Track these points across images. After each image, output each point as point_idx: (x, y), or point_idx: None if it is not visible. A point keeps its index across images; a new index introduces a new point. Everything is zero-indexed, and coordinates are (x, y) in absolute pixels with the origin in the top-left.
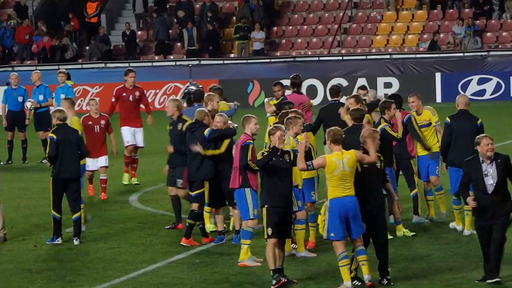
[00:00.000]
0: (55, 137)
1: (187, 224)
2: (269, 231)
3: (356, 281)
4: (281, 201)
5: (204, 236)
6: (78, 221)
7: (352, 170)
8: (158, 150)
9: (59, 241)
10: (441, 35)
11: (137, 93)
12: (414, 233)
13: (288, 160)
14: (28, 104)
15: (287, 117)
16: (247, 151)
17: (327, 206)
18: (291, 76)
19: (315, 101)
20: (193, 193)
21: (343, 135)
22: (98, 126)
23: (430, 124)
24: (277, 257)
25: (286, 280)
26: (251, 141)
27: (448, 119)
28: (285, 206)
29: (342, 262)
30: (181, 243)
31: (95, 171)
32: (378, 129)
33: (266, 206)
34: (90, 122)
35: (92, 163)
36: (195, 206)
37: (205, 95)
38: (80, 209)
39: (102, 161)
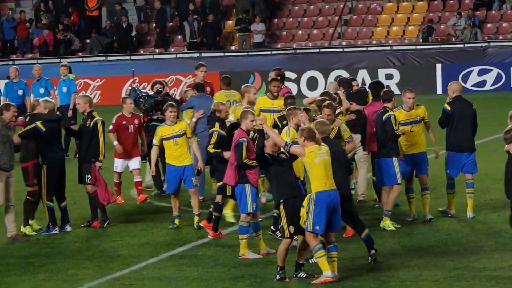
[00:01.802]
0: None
1: (213, 216)
2: (291, 229)
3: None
4: (294, 191)
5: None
6: (66, 209)
7: (330, 160)
8: None
9: (56, 230)
10: (441, 26)
11: (208, 89)
12: (395, 228)
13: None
14: None
15: (287, 108)
16: (242, 150)
17: (312, 199)
18: (279, 69)
19: (315, 93)
20: (217, 185)
21: (315, 133)
22: (132, 126)
23: (421, 121)
24: (302, 253)
25: (306, 275)
26: (245, 139)
27: (447, 106)
28: (299, 196)
29: (318, 253)
30: (209, 236)
31: (121, 173)
32: (384, 117)
33: (281, 200)
34: (124, 122)
35: (121, 165)
36: (218, 198)
37: (242, 86)
38: (65, 197)
39: (136, 163)
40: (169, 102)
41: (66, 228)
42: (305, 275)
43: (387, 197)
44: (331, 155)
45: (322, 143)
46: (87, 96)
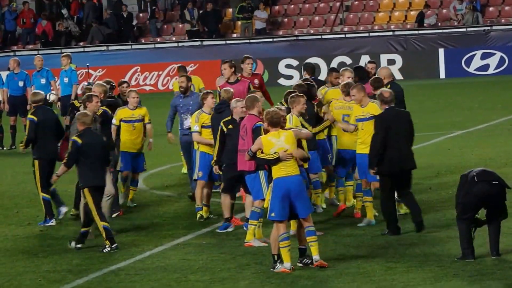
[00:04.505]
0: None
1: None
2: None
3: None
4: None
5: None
6: (55, 192)
7: (292, 147)
8: (160, 132)
9: (53, 222)
10: (444, 11)
11: (256, 81)
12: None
13: None
14: (52, 97)
15: (290, 96)
16: (261, 133)
17: (271, 187)
18: (229, 61)
19: None
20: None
21: (280, 118)
22: None
23: (373, 117)
24: (301, 238)
25: (309, 261)
26: (262, 123)
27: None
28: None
29: (283, 243)
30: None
31: None
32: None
33: None
34: None
35: None
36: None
37: (341, 70)
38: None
39: None
40: (206, 91)
41: (61, 211)
42: (310, 261)
43: None
44: (88, 147)
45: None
46: (103, 85)
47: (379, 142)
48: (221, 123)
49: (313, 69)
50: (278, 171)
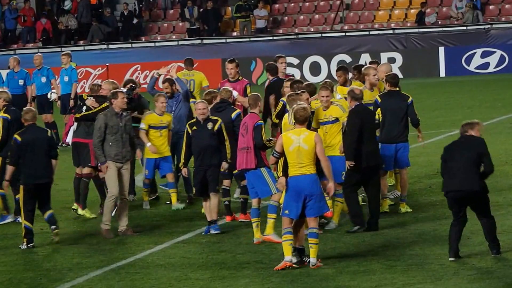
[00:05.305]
0: (9, 117)
1: (241, 199)
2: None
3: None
4: None
5: (228, 215)
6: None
7: (310, 148)
8: None
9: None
10: (444, 9)
11: None
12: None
13: None
14: (53, 96)
15: (289, 95)
16: (261, 131)
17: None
18: (233, 60)
19: (319, 78)
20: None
21: (306, 115)
22: None
23: (336, 120)
24: (298, 237)
25: (307, 260)
26: (262, 122)
27: (378, 98)
28: None
29: (285, 237)
30: (239, 219)
31: None
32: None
33: None
34: None
35: None
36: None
37: (363, 69)
38: None
39: None
40: (213, 90)
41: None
42: (308, 259)
43: (400, 182)
44: (29, 144)
45: (302, 127)
46: (114, 83)
47: (356, 134)
48: (187, 125)
49: (276, 70)
50: (292, 169)
